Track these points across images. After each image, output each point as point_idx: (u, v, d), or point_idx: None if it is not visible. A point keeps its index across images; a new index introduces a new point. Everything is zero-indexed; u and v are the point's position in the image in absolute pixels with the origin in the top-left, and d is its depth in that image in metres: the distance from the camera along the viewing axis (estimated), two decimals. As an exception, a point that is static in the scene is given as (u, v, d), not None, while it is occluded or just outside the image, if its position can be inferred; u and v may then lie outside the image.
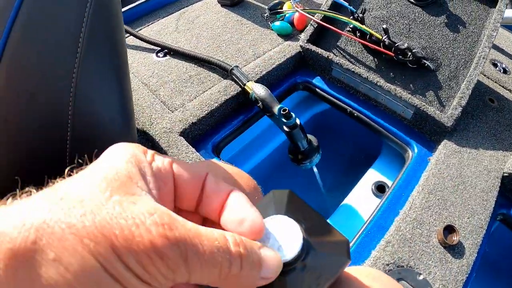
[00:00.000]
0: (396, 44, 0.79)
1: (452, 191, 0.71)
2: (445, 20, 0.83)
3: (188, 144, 0.72)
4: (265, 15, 0.96)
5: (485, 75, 0.93)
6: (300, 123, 0.72)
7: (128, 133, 0.53)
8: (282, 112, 0.70)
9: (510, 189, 0.75)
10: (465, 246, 0.67)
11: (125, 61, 0.52)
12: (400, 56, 0.79)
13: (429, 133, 0.80)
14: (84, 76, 0.44)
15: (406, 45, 0.79)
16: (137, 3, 1.03)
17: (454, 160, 0.75)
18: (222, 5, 1.03)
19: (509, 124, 0.83)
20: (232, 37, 0.93)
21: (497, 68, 0.96)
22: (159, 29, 0.98)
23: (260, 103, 0.74)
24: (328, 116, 1.03)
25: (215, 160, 0.31)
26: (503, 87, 0.91)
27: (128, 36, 0.96)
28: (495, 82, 0.92)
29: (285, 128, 0.72)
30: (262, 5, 1.03)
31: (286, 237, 0.23)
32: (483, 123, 0.82)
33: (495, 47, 1.03)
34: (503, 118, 0.84)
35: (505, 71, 0.95)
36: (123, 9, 1.01)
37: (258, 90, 0.75)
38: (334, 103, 0.86)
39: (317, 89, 0.87)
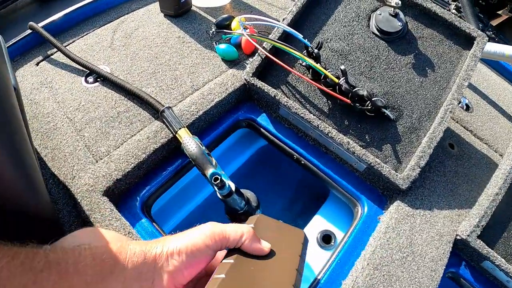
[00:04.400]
0: (354, 90, 0.62)
1: (399, 264, 0.59)
2: (412, 61, 0.66)
3: (113, 208, 0.55)
4: (211, 32, 0.75)
5: (447, 114, 0.78)
6: (235, 188, 0.56)
7: (33, 198, 0.42)
8: (213, 181, 0.54)
9: (462, 248, 0.63)
10: None
11: (20, 131, 0.39)
12: (358, 104, 0.62)
13: (381, 188, 0.66)
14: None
15: (365, 92, 0.61)
16: (74, 7, 0.79)
17: (406, 226, 0.62)
18: (165, 15, 0.80)
19: (467, 174, 0.70)
20: (171, 60, 0.73)
21: (460, 105, 0.80)
22: (93, 42, 0.76)
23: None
24: (272, 150, 0.86)
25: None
26: (464, 127, 0.77)
27: (56, 52, 0.74)
28: (457, 122, 0.77)
29: (219, 196, 0.56)
30: (209, 18, 0.80)
31: None
32: (441, 176, 0.68)
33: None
34: (462, 167, 0.71)
35: (467, 108, 0.80)
36: (64, 12, 0.79)
37: (189, 146, 0.57)
38: (279, 146, 0.69)
39: (261, 129, 0.70)
